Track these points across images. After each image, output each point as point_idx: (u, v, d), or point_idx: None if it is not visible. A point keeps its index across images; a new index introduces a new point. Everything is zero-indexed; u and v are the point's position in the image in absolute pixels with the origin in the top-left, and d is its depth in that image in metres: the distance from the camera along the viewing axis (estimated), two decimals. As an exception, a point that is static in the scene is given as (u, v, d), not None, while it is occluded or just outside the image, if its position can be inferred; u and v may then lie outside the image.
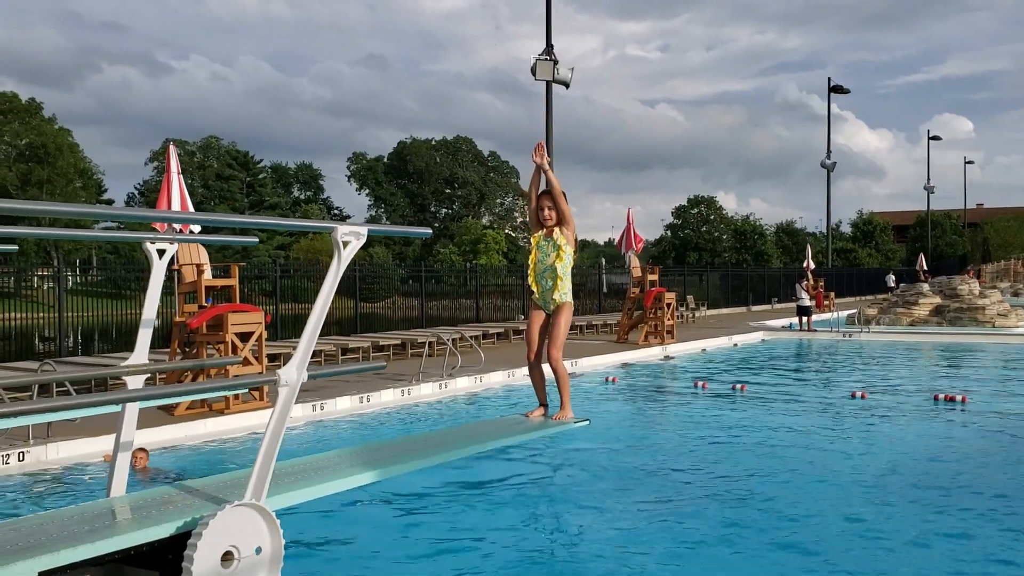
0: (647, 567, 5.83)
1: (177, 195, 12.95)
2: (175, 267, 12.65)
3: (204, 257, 12.45)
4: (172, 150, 13.46)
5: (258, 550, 3.18)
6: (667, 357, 20.04)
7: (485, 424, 5.63)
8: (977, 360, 19.89)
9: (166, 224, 11.37)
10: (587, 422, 5.36)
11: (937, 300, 28.64)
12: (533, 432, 4.93)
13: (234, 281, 12.39)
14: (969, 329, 26.06)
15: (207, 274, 12.24)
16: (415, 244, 73.46)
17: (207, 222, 3.51)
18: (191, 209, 13.12)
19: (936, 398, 13.09)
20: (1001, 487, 7.92)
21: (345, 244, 3.35)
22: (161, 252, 4.06)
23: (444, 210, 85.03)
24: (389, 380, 14.16)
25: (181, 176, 13.39)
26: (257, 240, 5.12)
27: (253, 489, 3.21)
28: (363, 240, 3.37)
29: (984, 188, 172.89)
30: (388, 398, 12.91)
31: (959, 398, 12.90)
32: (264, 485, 3.23)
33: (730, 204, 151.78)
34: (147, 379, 4.25)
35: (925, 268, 50.94)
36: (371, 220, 79.72)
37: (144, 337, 3.96)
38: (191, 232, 12.60)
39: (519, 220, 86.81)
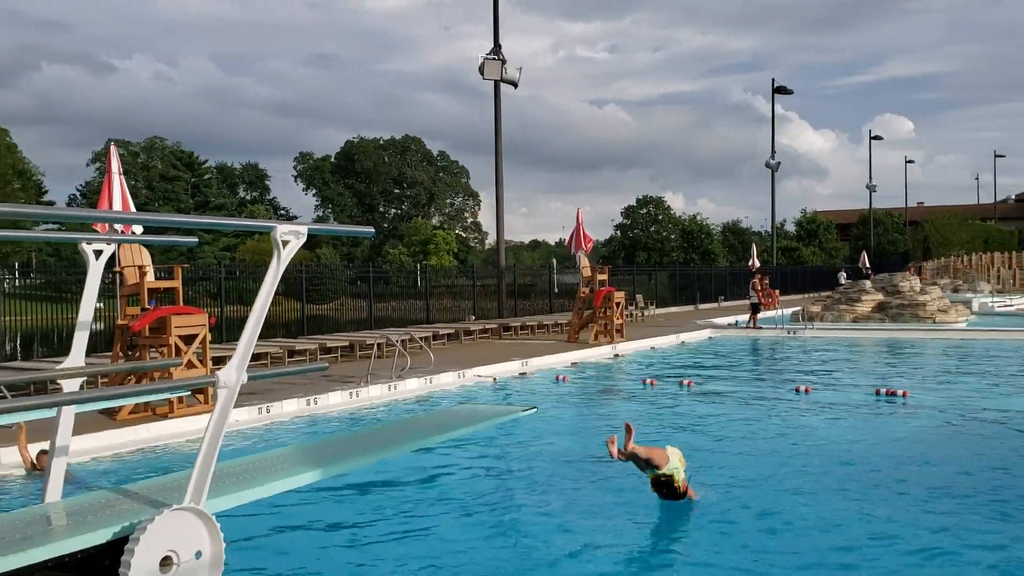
0: (594, 556, 5.87)
1: (118, 196, 12.68)
2: (117, 269, 12.41)
3: (146, 259, 12.23)
4: (113, 150, 13.18)
5: (198, 554, 3.13)
6: (617, 356, 20.18)
7: (430, 417, 5.62)
8: (918, 355, 20.38)
9: (107, 225, 11.14)
10: (534, 409, 5.37)
11: (879, 297, 29.27)
12: (479, 423, 4.93)
13: (177, 283, 12.20)
14: (910, 325, 26.68)
15: (149, 276, 12.02)
16: (363, 245, 72.99)
17: (144, 221, 3.46)
18: (133, 210, 12.86)
19: (878, 392, 13.39)
20: (940, 477, 8.12)
21: (285, 243, 3.32)
22: (98, 253, 3.98)
23: (393, 210, 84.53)
24: (337, 382, 14.04)
25: (123, 177, 13.12)
26: (197, 240, 5.05)
27: (193, 492, 3.17)
28: (303, 239, 3.34)
29: (925, 187, 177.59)
30: (336, 400, 12.80)
31: (900, 392, 13.21)
32: (204, 488, 3.19)
33: (678, 204, 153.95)
34: (87, 383, 4.16)
35: (868, 266, 52.05)
36: (318, 220, 78.95)
37: (80, 340, 3.88)
38: (133, 233, 12.37)
39: (469, 220, 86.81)
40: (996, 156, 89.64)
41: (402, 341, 15.91)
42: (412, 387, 14.15)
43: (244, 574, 5.66)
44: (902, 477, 8.23)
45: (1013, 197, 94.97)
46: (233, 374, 3.26)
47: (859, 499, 7.44)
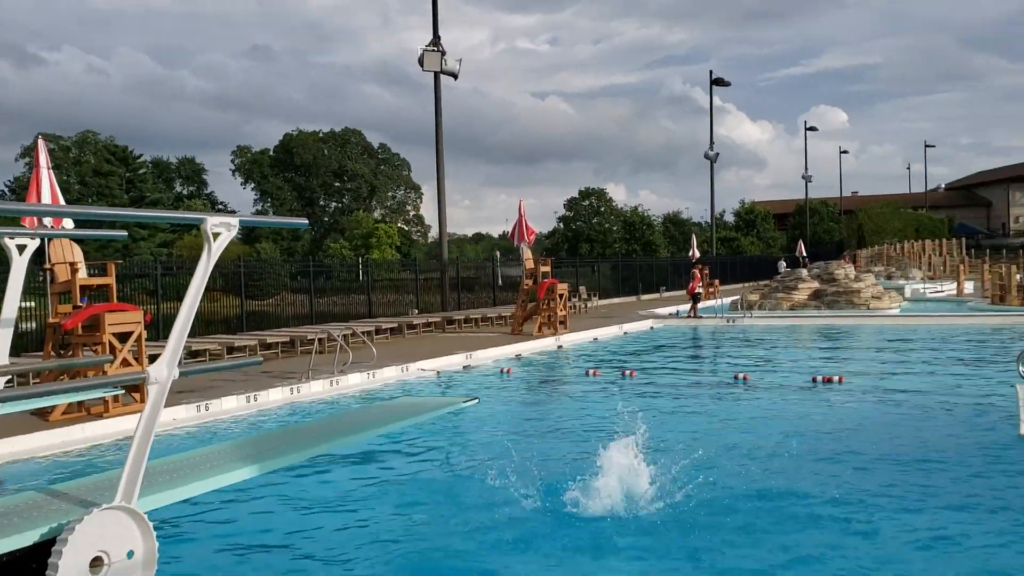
0: (532, 543, 5.91)
1: (47, 190, 12.32)
2: (48, 266, 12.08)
3: (78, 255, 11.92)
4: (41, 144, 12.80)
5: (130, 554, 3.07)
6: (560, 347, 20.28)
7: (370, 409, 5.59)
8: (853, 341, 20.88)
9: (36, 220, 10.82)
10: (476, 400, 5.38)
11: (815, 285, 29.93)
12: (420, 415, 4.91)
13: (111, 279, 11.91)
14: (846, 311, 27.34)
15: (81, 272, 11.72)
16: (304, 239, 72.13)
17: (70, 214, 3.36)
18: (61, 203, 12.50)
19: (815, 380, 13.68)
20: (875, 458, 8.34)
21: (216, 236, 3.27)
22: (22, 248, 3.87)
23: (334, 204, 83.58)
24: (277, 378, 13.88)
25: (52, 171, 12.77)
26: (126, 234, 4.93)
27: (124, 491, 3.10)
28: (234, 231, 3.29)
29: (859, 177, 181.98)
30: (276, 397, 12.64)
31: (836, 378, 13.52)
32: (135, 486, 3.12)
33: (620, 196, 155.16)
34: (17, 383, 4.04)
35: (804, 254, 53.13)
36: (257, 214, 77.76)
37: (3, 338, 3.76)
38: (63, 228, 12.04)
39: (411, 214, 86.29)
40: (927, 146, 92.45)
41: (344, 336, 15.78)
42: (354, 382, 14.03)
43: (178, 573, 5.62)
44: (837, 460, 8.43)
45: (943, 186, 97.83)
46: (164, 369, 3.19)
47: (796, 481, 7.60)
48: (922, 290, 37.79)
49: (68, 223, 12.42)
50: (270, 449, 3.92)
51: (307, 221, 4.01)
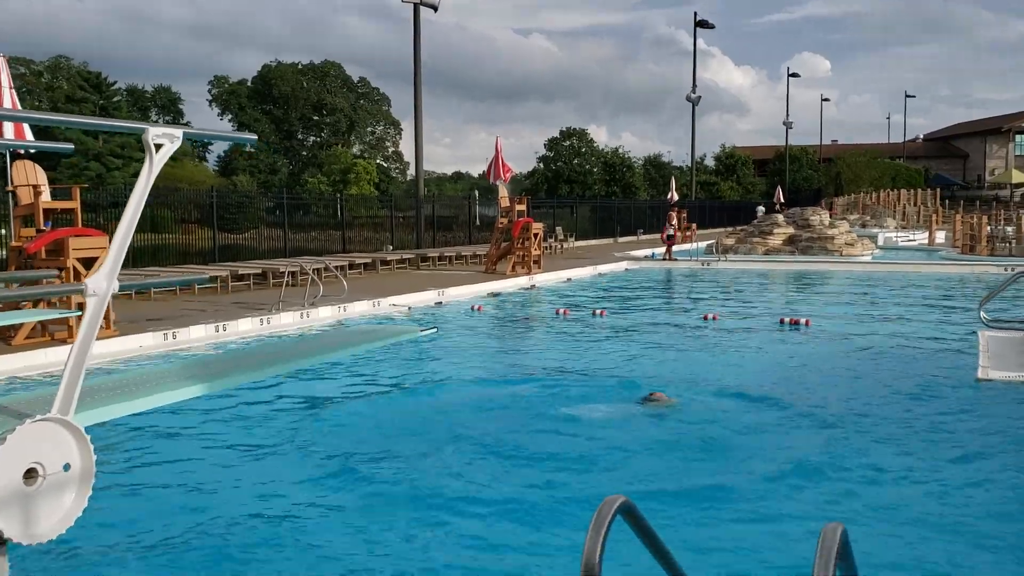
0: (498, 481, 5.95)
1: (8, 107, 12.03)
2: (10, 188, 11.85)
3: (42, 178, 11.68)
4: (2, 62, 12.44)
5: (67, 467, 3.02)
6: (533, 286, 20.28)
7: (323, 335, 5.54)
8: (825, 286, 21.04)
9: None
10: (435, 330, 5.34)
11: (791, 230, 30.03)
12: (375, 342, 4.86)
13: (75, 203, 11.70)
14: (819, 257, 27.50)
15: (45, 196, 11.51)
16: (282, 173, 71.28)
17: (5, 117, 3.23)
18: (25, 127, 12.19)
19: (782, 321, 13.78)
20: (831, 397, 8.44)
21: (158, 147, 3.15)
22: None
23: (312, 138, 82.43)
24: (248, 309, 13.81)
25: (13, 91, 12.45)
26: (71, 147, 4.80)
27: (60, 403, 3.04)
28: (177, 143, 3.17)
29: (839, 125, 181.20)
30: (246, 327, 12.55)
31: (803, 321, 13.63)
32: (72, 398, 3.06)
33: (601, 137, 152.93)
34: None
35: (782, 200, 53.06)
36: (237, 144, 76.71)
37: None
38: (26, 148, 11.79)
39: (390, 150, 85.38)
40: (907, 97, 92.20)
41: (316, 270, 15.65)
42: (325, 315, 13.95)
43: (115, 487, 5.65)
44: (793, 398, 8.52)
45: (921, 137, 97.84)
46: (103, 282, 3.10)
47: (755, 419, 7.69)
48: (895, 238, 38.05)
49: (29, 138, 12.17)
50: (216, 371, 3.87)
51: (255, 136, 3.88)
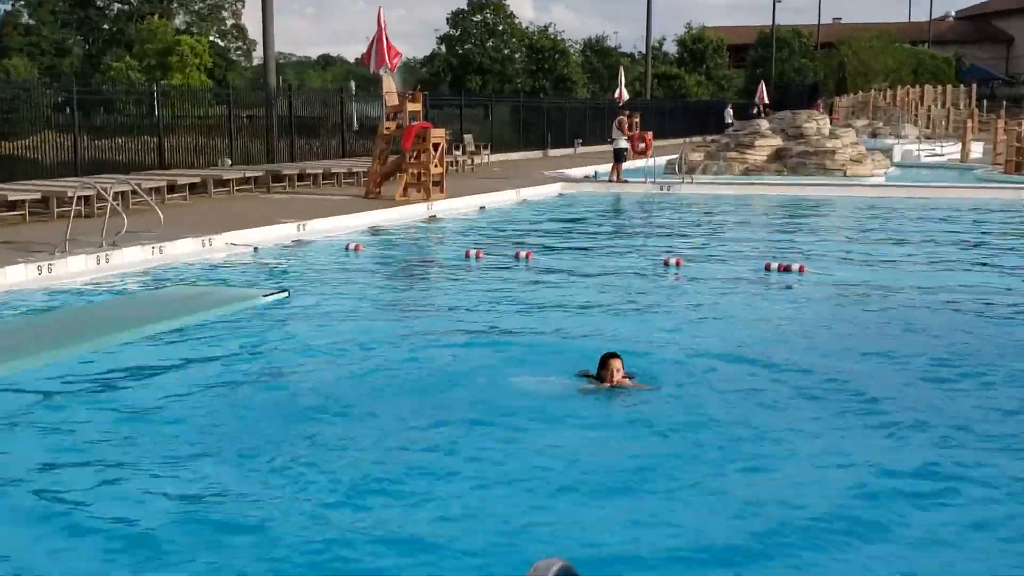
0: (388, 469, 5.89)
1: None
2: None
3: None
4: None
5: None
6: (432, 218, 20.13)
7: (138, 300, 5.26)
8: (823, 218, 21.37)
9: None
10: (285, 294, 5.10)
11: (778, 142, 30.34)
12: (206, 311, 4.61)
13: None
14: (815, 179, 27.86)
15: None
16: (73, 56, 69.01)
17: None
18: None
19: (768, 268, 13.86)
20: (835, 373, 8.47)
21: None
22: None
23: (117, 5, 79.87)
24: (20, 251, 13.46)
25: None
26: None
27: None
28: None
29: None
30: (17, 278, 12.21)
31: (796, 267, 13.72)
32: None
33: (525, 12, 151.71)
34: None
35: (766, 100, 53.70)
36: (9, 13, 73.97)
37: None
38: None
39: (229, 23, 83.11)
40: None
41: (120, 193, 15.23)
42: (132, 259, 13.69)
43: None
44: (790, 368, 8.56)
45: (953, 14, 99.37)
46: None
47: (742, 394, 7.73)
48: (916, 152, 38.82)
49: None
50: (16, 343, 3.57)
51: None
